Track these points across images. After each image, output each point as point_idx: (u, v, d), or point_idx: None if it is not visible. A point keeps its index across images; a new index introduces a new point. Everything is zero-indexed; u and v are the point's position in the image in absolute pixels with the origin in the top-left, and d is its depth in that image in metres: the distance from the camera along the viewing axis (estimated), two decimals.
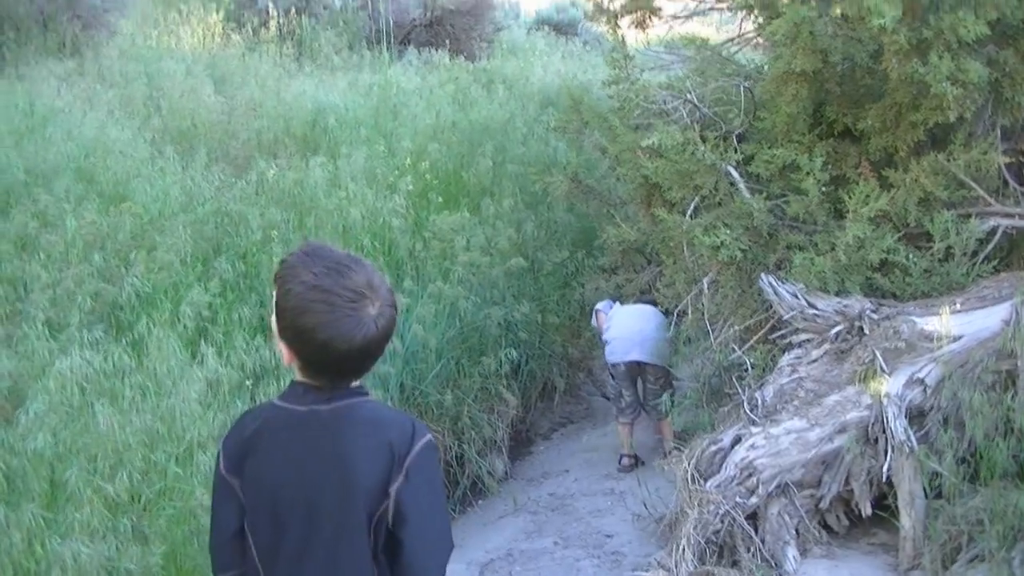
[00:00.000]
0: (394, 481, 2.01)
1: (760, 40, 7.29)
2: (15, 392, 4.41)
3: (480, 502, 6.56)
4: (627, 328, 6.51)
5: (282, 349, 2.07)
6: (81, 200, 6.21)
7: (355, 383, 2.13)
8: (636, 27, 7.86)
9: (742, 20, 8.16)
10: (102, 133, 7.47)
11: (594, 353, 8.06)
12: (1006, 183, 5.08)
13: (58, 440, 3.97)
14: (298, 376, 2.12)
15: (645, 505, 5.61)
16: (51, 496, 3.90)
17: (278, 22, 12.83)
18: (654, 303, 6.59)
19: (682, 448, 5.23)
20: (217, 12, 12.34)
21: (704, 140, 5.77)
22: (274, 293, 2.05)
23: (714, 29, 14.04)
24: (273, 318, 2.06)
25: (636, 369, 6.52)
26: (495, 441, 6.76)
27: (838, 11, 4.75)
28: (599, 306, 7.00)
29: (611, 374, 6.72)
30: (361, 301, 1.97)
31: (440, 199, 7.54)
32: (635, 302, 6.86)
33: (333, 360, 2.02)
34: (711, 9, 8.10)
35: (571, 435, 7.71)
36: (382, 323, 2.00)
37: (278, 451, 2.09)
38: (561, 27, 18.08)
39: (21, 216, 5.86)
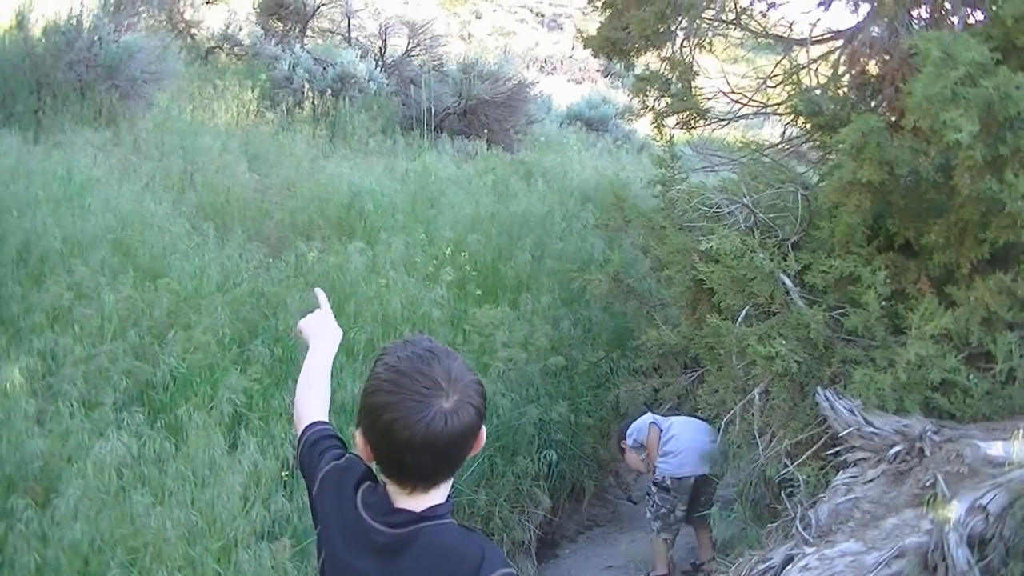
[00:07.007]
0: None
1: (806, 147, 7.25)
2: (46, 473, 4.22)
3: None
4: (696, 440, 6.26)
5: (358, 441, 1.92)
6: (117, 273, 6.08)
7: (435, 500, 1.92)
8: (682, 127, 7.86)
9: (786, 127, 8.15)
10: (139, 205, 7.37)
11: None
12: None
13: (94, 529, 3.78)
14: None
15: None
16: None
17: (312, 103, 12.89)
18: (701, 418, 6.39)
19: (725, 564, 5.03)
20: (252, 90, 12.42)
21: (762, 247, 5.65)
22: None
23: (739, 132, 14.15)
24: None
25: (702, 483, 6.29)
26: (524, 543, 6.52)
27: (910, 124, 4.66)
28: (649, 420, 6.58)
29: (667, 488, 6.29)
30: (434, 390, 1.82)
31: (479, 291, 7.42)
32: (672, 416, 6.64)
33: (396, 450, 1.84)
34: (757, 113, 8.08)
35: (597, 539, 7.47)
36: (454, 420, 1.82)
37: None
38: (593, 123, 18.21)
39: (56, 287, 5.65)
